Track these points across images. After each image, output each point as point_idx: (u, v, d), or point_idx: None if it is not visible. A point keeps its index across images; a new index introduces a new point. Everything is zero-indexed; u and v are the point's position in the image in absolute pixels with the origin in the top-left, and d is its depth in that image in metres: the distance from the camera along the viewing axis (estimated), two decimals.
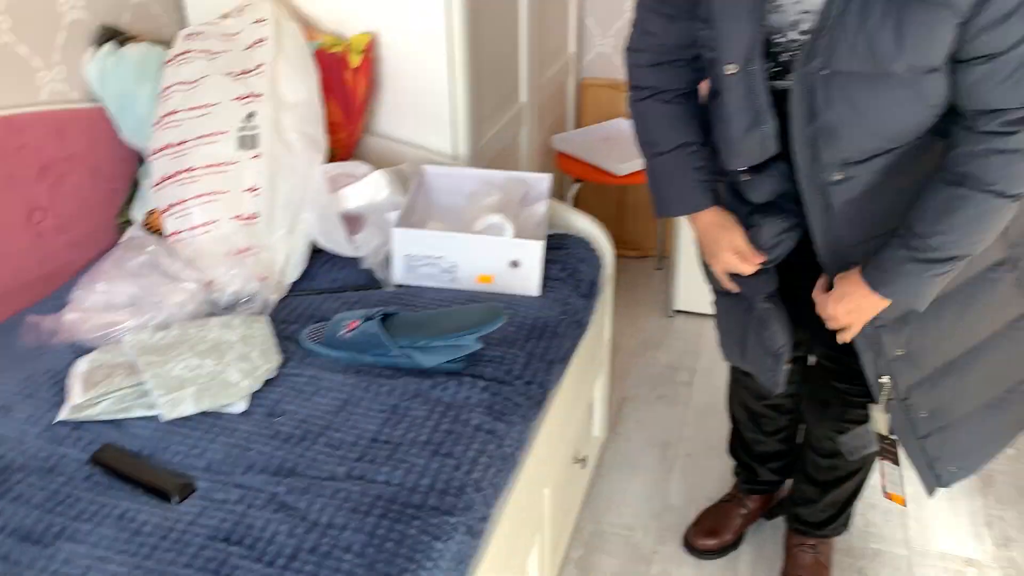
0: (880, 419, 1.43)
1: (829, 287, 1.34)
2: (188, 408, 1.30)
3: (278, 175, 1.65)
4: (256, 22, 1.77)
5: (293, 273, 1.67)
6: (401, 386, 1.40)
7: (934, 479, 1.47)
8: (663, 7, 1.33)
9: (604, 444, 2.18)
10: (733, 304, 1.54)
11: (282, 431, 1.30)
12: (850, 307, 1.29)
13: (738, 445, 1.87)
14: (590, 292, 1.76)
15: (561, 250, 1.82)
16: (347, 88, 1.85)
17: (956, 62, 1.12)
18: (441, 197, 1.85)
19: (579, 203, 3.07)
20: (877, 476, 1.56)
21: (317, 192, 1.66)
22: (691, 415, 2.30)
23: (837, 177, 1.23)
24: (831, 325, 1.34)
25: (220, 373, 1.33)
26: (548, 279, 1.72)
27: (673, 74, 1.39)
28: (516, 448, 1.36)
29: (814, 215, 1.29)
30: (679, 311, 2.72)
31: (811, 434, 1.67)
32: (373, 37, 1.90)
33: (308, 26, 1.91)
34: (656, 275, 2.95)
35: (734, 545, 1.89)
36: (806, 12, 1.18)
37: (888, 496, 1.49)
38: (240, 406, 1.33)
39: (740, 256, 1.39)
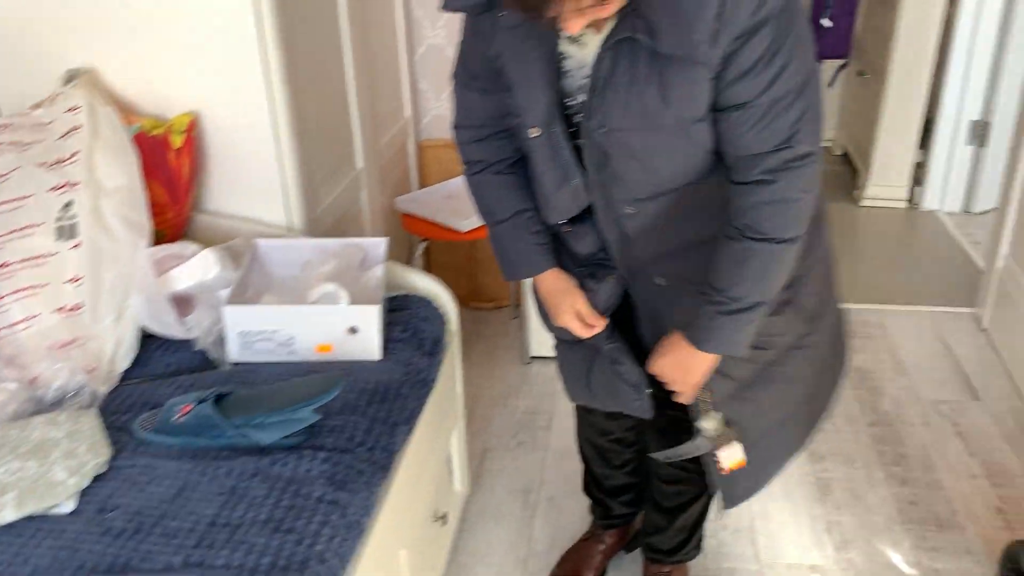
0: (710, 424, 1.49)
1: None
2: (9, 515, 1.24)
3: (101, 263, 1.62)
4: (69, 110, 1.74)
5: (123, 362, 1.63)
6: (239, 466, 1.39)
7: (728, 498, 1.58)
8: (475, 83, 1.41)
9: (468, 498, 2.21)
10: (573, 346, 1.62)
11: (114, 527, 1.27)
12: (673, 363, 1.40)
13: (590, 482, 1.93)
14: (434, 350, 1.80)
15: (403, 311, 1.85)
16: (171, 169, 1.84)
17: (716, 111, 1.23)
18: (276, 270, 1.85)
19: (431, 261, 3.12)
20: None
21: (143, 276, 1.63)
22: (551, 458, 2.35)
23: (628, 211, 1.34)
24: (666, 384, 1.44)
25: (45, 474, 1.29)
26: (390, 341, 1.74)
27: (499, 146, 1.46)
28: (362, 515, 1.37)
29: (612, 242, 1.39)
30: (536, 357, 2.79)
31: (654, 464, 1.75)
32: (195, 117, 1.90)
33: (126, 110, 1.89)
34: (512, 324, 3.02)
35: None
36: (588, 77, 1.27)
37: (729, 470, 1.53)
38: (68, 506, 1.29)
39: (580, 321, 1.48)
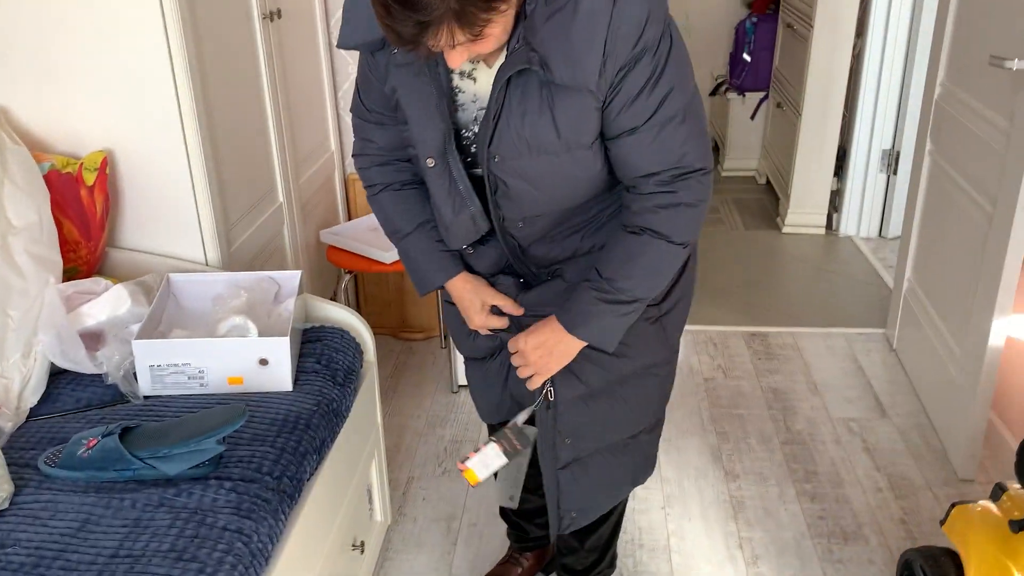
0: (523, 415, 1.53)
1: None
2: None
3: (8, 300, 1.63)
4: None
5: (31, 398, 1.63)
6: (144, 498, 1.40)
7: (557, 523, 1.64)
8: (371, 116, 1.47)
9: (390, 527, 2.23)
10: (481, 365, 1.67)
11: (13, 561, 1.27)
12: (538, 343, 1.42)
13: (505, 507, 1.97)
14: (346, 380, 1.83)
15: (317, 343, 1.88)
16: (83, 206, 1.86)
17: (609, 139, 1.30)
18: (191, 304, 1.87)
19: (360, 294, 3.16)
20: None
21: (53, 312, 1.65)
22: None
23: (520, 225, 1.41)
24: (520, 366, 1.46)
25: None
26: (303, 372, 1.77)
27: (396, 170, 1.51)
28: (267, 543, 1.39)
29: (509, 249, 1.46)
30: (463, 386, 2.83)
31: None
32: (108, 154, 1.92)
33: (38, 148, 1.90)
34: (441, 354, 3.05)
35: None
36: (482, 109, 1.33)
37: (461, 467, 1.51)
38: None
39: (494, 315, 1.53)
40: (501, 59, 1.26)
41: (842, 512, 2.26)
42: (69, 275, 1.84)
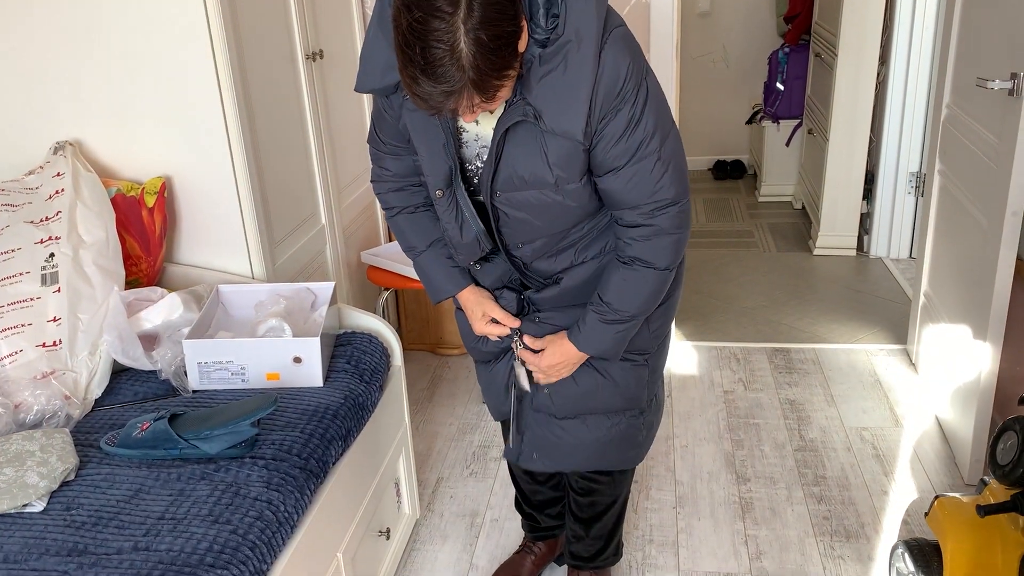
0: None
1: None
2: None
3: (78, 305, 1.88)
4: (55, 176, 2.02)
5: (96, 390, 1.86)
6: (188, 472, 1.61)
7: (518, 450, 1.81)
8: (386, 148, 1.67)
9: (419, 521, 2.41)
10: (489, 368, 1.86)
11: (77, 520, 1.49)
12: (553, 363, 1.66)
13: (520, 498, 2.14)
14: (372, 379, 2.03)
15: (347, 345, 2.09)
16: (144, 225, 2.10)
17: (595, 176, 1.48)
18: (236, 311, 2.10)
19: (401, 312, 3.37)
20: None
21: (115, 316, 1.88)
22: (498, 486, 2.56)
23: (520, 247, 1.60)
24: (538, 374, 1.69)
25: (20, 478, 1.52)
26: (333, 371, 1.98)
27: (413, 192, 1.72)
28: (292, 513, 1.59)
29: (513, 265, 1.65)
30: None
31: (569, 477, 1.96)
32: (166, 180, 2.17)
33: (107, 175, 2.17)
34: (474, 368, 3.23)
35: None
36: (484, 147, 1.53)
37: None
38: (39, 505, 1.52)
39: (494, 324, 1.72)
40: (500, 108, 1.44)
41: (846, 513, 2.36)
42: (130, 285, 2.09)
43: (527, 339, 1.71)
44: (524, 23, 1.29)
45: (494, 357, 1.84)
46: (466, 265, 1.70)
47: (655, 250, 1.52)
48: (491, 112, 1.47)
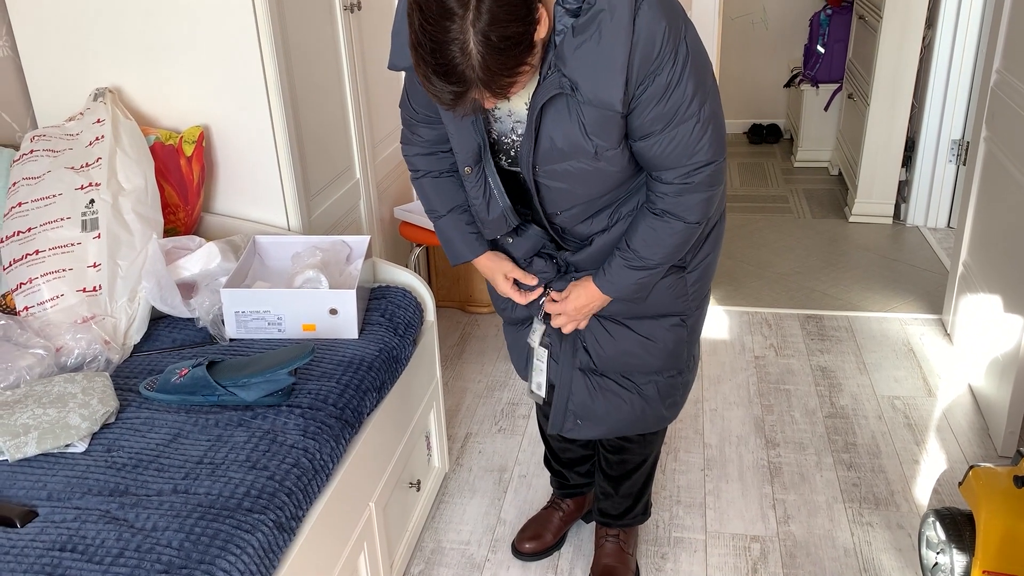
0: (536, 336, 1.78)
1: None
2: (31, 450, 1.50)
3: (117, 251, 1.89)
4: (95, 123, 2.02)
5: (135, 336, 1.89)
6: (226, 419, 1.63)
7: (561, 421, 1.82)
8: (419, 115, 1.65)
9: (448, 474, 2.43)
10: (516, 329, 1.86)
11: (117, 461, 1.52)
12: (578, 305, 1.66)
13: (549, 455, 2.15)
14: (406, 332, 2.04)
15: (382, 300, 2.10)
16: (182, 174, 2.11)
17: (632, 140, 1.46)
18: (273, 262, 2.11)
19: (432, 270, 3.37)
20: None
21: (154, 264, 1.90)
22: (526, 443, 2.57)
23: (559, 215, 1.60)
24: (559, 320, 1.69)
25: (62, 418, 1.54)
26: (368, 324, 1.99)
27: (439, 160, 1.70)
28: (328, 462, 1.61)
29: (553, 231, 1.65)
30: None
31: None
32: (204, 129, 2.17)
33: (145, 123, 2.17)
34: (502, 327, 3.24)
35: (557, 545, 2.15)
36: (519, 121, 1.51)
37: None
38: (81, 446, 1.54)
39: (516, 288, 1.71)
40: (534, 81, 1.41)
41: (876, 480, 2.35)
42: (168, 234, 2.10)
43: (553, 294, 1.71)
44: (542, 13, 1.26)
45: (520, 322, 1.84)
46: (493, 238, 1.70)
47: (687, 205, 1.50)
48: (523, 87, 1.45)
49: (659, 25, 1.33)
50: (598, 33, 1.32)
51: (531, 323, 1.83)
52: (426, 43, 1.21)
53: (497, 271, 1.72)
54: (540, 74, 1.38)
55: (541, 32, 1.27)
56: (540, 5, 1.26)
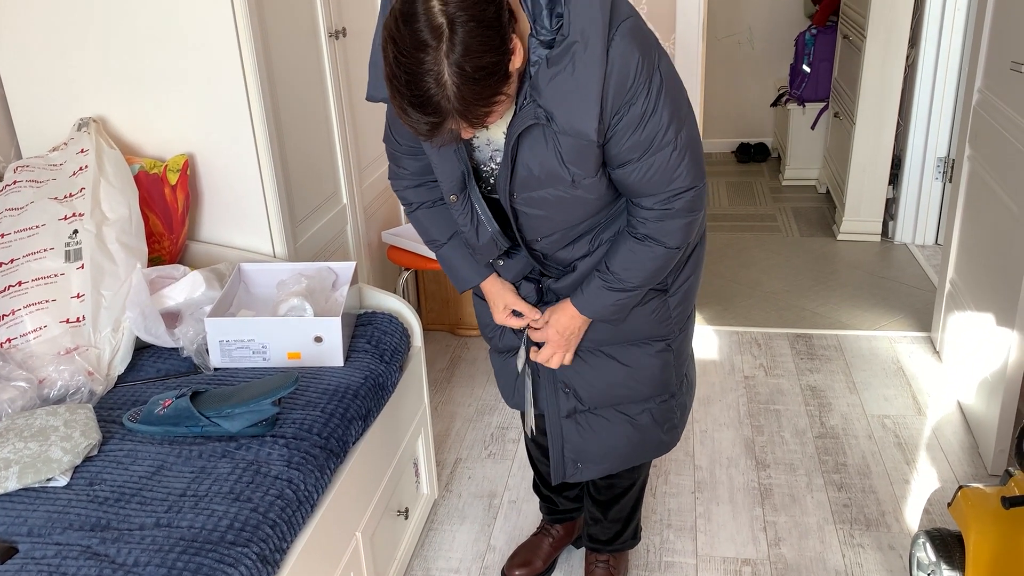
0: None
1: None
2: (12, 484, 1.49)
3: (101, 281, 1.88)
4: (79, 152, 2.02)
5: (119, 367, 1.87)
6: (210, 450, 1.62)
7: (562, 470, 1.80)
8: (402, 147, 1.65)
9: (437, 501, 2.42)
10: (503, 358, 1.86)
11: (100, 495, 1.50)
12: (560, 327, 1.64)
13: (538, 481, 2.14)
14: (392, 359, 2.03)
15: (368, 326, 2.09)
16: (167, 203, 2.11)
17: (614, 168, 1.46)
18: (258, 289, 2.10)
19: (420, 292, 3.37)
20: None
21: (138, 294, 1.89)
22: (516, 468, 2.56)
23: (539, 241, 1.59)
24: (544, 352, 1.67)
25: (44, 452, 1.53)
26: (354, 351, 1.98)
27: (429, 190, 1.70)
28: (312, 492, 1.59)
29: (534, 258, 1.64)
30: None
31: None
32: (189, 157, 2.17)
33: (130, 152, 2.17)
34: None
35: (547, 572, 2.13)
36: (497, 150, 1.51)
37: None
38: (63, 480, 1.53)
39: (513, 314, 1.71)
40: (511, 111, 1.41)
41: (867, 501, 2.34)
42: (153, 263, 2.10)
43: (532, 334, 1.71)
44: (516, 44, 1.26)
45: (507, 350, 1.84)
46: (485, 263, 1.70)
47: (668, 230, 1.51)
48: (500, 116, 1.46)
49: (633, 56, 1.33)
50: (572, 65, 1.32)
51: (515, 352, 1.83)
52: (401, 75, 1.21)
53: (500, 300, 1.72)
54: (516, 104, 1.38)
55: (516, 62, 1.27)
56: (514, 35, 1.26)
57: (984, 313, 2.58)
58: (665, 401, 1.78)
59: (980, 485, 1.84)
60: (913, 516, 2.28)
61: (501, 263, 1.69)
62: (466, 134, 1.32)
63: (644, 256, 1.53)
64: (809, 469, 2.49)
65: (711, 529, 2.27)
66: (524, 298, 1.71)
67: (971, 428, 2.62)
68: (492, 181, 1.56)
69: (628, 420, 1.76)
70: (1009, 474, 1.83)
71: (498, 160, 1.51)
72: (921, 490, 2.38)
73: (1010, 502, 1.64)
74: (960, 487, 1.86)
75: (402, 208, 3.24)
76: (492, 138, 1.50)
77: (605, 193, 1.52)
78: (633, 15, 1.37)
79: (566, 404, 1.75)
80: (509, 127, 1.42)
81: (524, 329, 1.74)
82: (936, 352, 3.08)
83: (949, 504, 1.88)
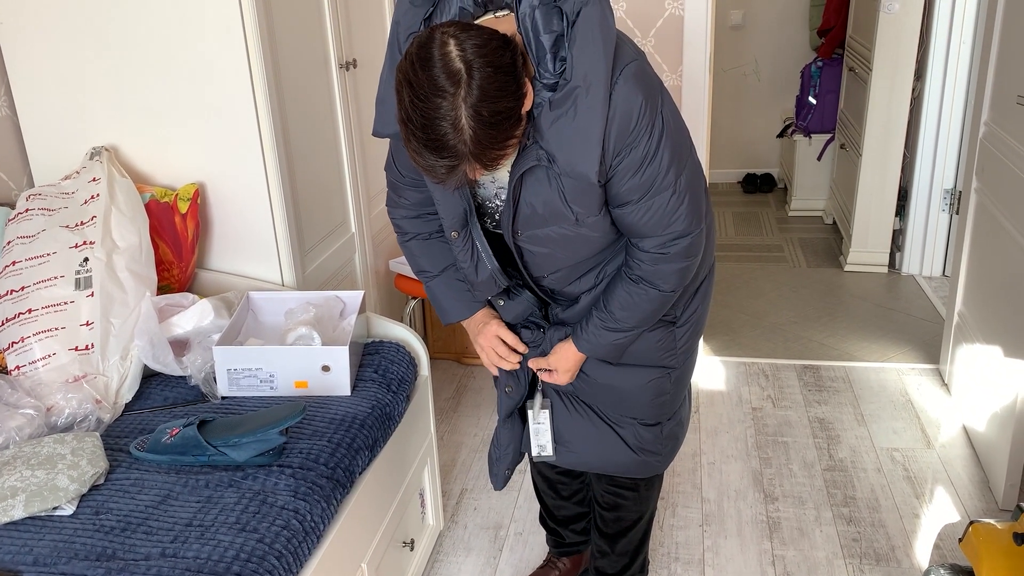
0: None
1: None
2: (18, 513, 1.48)
3: (111, 310, 1.89)
4: (91, 181, 2.04)
5: (127, 395, 1.87)
6: (216, 479, 1.62)
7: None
8: (405, 179, 1.66)
9: (443, 532, 2.40)
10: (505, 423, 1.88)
11: (106, 524, 1.49)
12: (565, 368, 1.68)
13: (544, 513, 2.12)
14: (399, 388, 2.02)
15: (376, 355, 2.09)
16: (177, 231, 2.12)
17: (615, 207, 1.48)
18: (266, 318, 2.11)
19: (427, 322, 3.37)
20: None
21: (147, 322, 1.89)
22: (522, 499, 2.54)
23: (545, 277, 1.62)
24: (553, 374, 1.71)
25: (51, 480, 1.53)
26: (361, 380, 1.98)
27: (425, 222, 1.71)
28: (319, 523, 1.59)
29: (541, 292, 1.66)
30: None
31: (595, 491, 1.94)
32: (199, 186, 2.19)
33: (141, 181, 2.19)
34: None
35: None
36: (502, 187, 1.53)
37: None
38: (69, 509, 1.52)
39: (503, 346, 1.71)
40: (514, 154, 1.42)
41: (876, 535, 2.32)
42: (162, 291, 2.10)
43: (531, 361, 1.73)
44: (528, 88, 1.28)
45: (510, 414, 1.86)
46: (483, 300, 1.71)
47: (662, 274, 1.53)
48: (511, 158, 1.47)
49: (636, 100, 1.35)
50: (574, 109, 1.33)
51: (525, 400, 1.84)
52: (417, 119, 1.22)
53: (486, 329, 1.73)
54: (520, 144, 1.39)
55: (527, 105, 1.29)
56: (526, 79, 1.27)
57: (993, 346, 2.57)
58: (649, 426, 1.78)
59: (992, 520, 1.82)
60: (923, 551, 2.25)
61: (502, 303, 1.69)
62: (476, 176, 1.33)
63: (640, 299, 1.56)
64: (818, 502, 2.47)
65: (719, 563, 2.25)
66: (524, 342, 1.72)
67: (981, 462, 2.60)
68: (497, 217, 1.57)
69: (612, 426, 1.78)
70: (1021, 509, 1.81)
71: (503, 197, 1.52)
72: (931, 524, 2.35)
73: (1021, 539, 1.63)
74: (971, 522, 1.84)
75: None
76: (497, 176, 1.51)
77: (609, 231, 1.53)
78: (638, 58, 1.38)
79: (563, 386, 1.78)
80: (512, 167, 1.43)
81: (527, 373, 1.75)
82: (944, 384, 3.06)
83: (960, 539, 1.86)
